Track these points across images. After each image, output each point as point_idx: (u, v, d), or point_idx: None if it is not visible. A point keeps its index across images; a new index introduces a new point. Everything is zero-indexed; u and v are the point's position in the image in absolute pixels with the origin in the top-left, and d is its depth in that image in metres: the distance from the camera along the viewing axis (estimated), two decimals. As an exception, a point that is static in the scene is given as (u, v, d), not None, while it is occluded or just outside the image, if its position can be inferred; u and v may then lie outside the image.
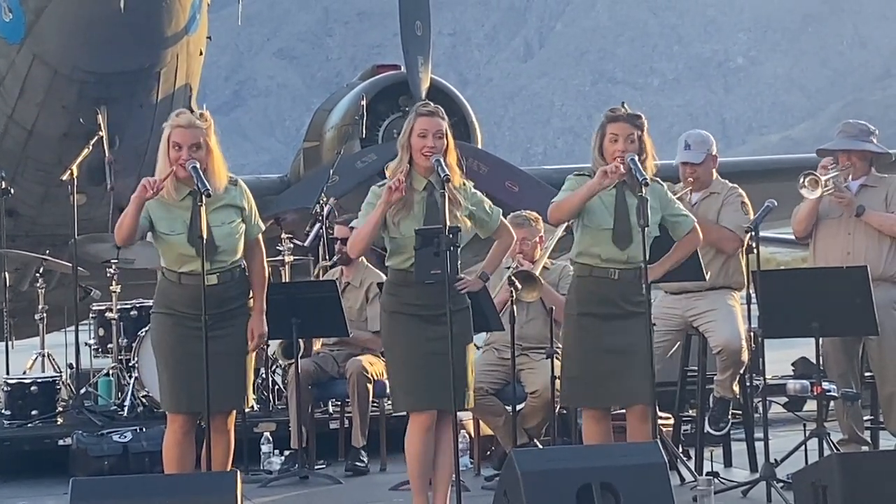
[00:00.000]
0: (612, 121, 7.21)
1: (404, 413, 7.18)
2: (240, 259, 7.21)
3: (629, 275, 7.14)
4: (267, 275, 7.36)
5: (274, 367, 10.64)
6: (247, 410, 9.81)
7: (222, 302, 7.09)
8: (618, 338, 7.11)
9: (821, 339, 7.97)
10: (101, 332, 10.84)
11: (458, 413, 7.11)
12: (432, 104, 7.25)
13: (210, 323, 6.98)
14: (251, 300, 7.24)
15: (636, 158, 7.08)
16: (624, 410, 7.37)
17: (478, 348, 9.38)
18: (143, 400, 10.16)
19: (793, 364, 12.39)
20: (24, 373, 11.10)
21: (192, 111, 7.66)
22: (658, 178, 7.29)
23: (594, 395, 7.24)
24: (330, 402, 10.20)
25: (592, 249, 7.19)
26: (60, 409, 10.33)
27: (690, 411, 9.16)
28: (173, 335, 7.12)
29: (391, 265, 7.07)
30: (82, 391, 10.52)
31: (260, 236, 7.31)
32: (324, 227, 10.98)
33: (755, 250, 8.17)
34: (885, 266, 8.45)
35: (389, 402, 8.36)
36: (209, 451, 7.09)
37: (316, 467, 9.51)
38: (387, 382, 7.73)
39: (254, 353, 7.37)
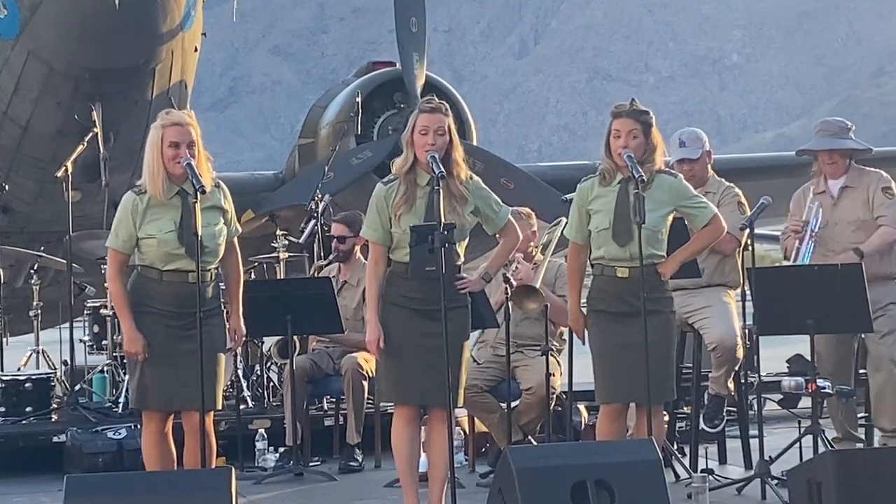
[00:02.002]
0: (616, 117, 7.21)
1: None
2: (219, 262, 7.19)
3: (639, 272, 7.05)
4: (242, 276, 7.34)
5: (269, 363, 10.64)
6: (242, 407, 9.85)
7: (201, 301, 7.02)
8: (629, 336, 7.05)
9: (815, 336, 7.97)
10: (96, 328, 10.84)
11: (454, 410, 7.10)
12: (436, 100, 7.19)
13: (187, 322, 6.96)
14: (224, 302, 7.23)
15: (632, 155, 7.07)
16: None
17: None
18: (138, 397, 10.15)
19: (787, 361, 12.39)
20: (19, 369, 11.10)
21: (177, 110, 7.63)
22: (672, 170, 7.29)
23: (608, 392, 7.19)
24: (325, 399, 10.18)
25: (599, 251, 7.19)
26: (55, 405, 10.32)
27: (685, 408, 9.16)
28: (150, 333, 7.02)
29: (394, 258, 7.06)
30: (77, 388, 10.51)
31: (235, 239, 7.28)
32: (319, 224, 10.96)
33: (750, 248, 8.18)
34: (878, 264, 8.44)
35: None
36: (197, 449, 7.03)
37: (311, 464, 9.50)
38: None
39: (226, 354, 7.30)
